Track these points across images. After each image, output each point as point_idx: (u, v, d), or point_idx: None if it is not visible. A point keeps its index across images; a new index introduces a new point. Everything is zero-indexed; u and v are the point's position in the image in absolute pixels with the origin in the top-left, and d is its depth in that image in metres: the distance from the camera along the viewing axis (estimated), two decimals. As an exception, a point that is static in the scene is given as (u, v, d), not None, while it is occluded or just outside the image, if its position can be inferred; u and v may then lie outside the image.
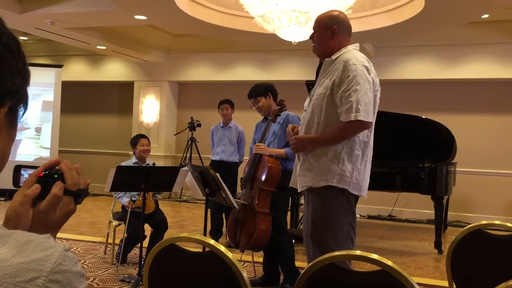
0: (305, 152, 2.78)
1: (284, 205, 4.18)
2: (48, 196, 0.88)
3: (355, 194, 2.73)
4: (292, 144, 2.80)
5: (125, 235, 4.62)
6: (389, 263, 1.40)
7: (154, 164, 4.43)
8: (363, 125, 2.65)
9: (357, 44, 2.87)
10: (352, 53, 2.74)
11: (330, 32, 2.79)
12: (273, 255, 4.19)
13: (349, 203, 2.73)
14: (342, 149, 2.68)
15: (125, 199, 4.62)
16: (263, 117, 4.35)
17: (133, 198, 4.65)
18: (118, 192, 4.64)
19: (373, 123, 2.78)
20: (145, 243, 4.45)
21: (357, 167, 2.69)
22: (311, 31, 5.58)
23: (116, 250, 4.76)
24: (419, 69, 8.13)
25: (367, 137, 2.76)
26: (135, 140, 4.85)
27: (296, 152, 2.82)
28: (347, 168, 2.67)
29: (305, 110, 2.86)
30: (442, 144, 6.09)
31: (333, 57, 2.77)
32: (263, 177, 3.91)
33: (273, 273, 4.22)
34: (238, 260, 4.18)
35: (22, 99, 0.78)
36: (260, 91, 4.26)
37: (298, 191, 2.87)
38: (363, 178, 2.73)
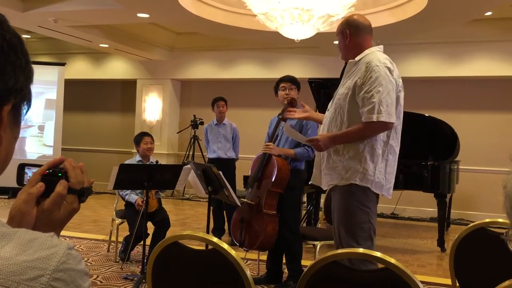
0: (327, 150, 2.84)
1: (295, 204, 4.17)
2: (52, 195, 0.89)
3: (376, 193, 2.77)
4: (316, 145, 2.84)
5: (128, 232, 4.63)
6: (392, 261, 1.40)
7: (157, 162, 4.43)
8: (385, 125, 2.70)
9: (381, 46, 2.93)
10: (375, 55, 2.80)
11: (343, 36, 2.91)
12: (278, 254, 4.19)
13: (371, 201, 2.77)
14: (364, 148, 2.73)
15: (134, 196, 4.60)
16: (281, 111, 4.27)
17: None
18: (125, 190, 4.64)
19: (399, 123, 2.86)
20: (148, 241, 4.46)
21: (378, 166, 2.74)
22: (314, 29, 5.59)
23: (120, 248, 4.77)
24: (422, 67, 8.12)
25: (387, 137, 2.79)
26: (139, 138, 4.86)
27: (321, 151, 2.87)
28: (370, 166, 2.72)
29: (328, 110, 2.92)
30: (445, 142, 6.07)
31: (357, 58, 2.84)
32: (272, 179, 3.90)
33: (276, 271, 4.23)
34: (242, 258, 4.19)
35: (25, 97, 0.78)
36: (298, 83, 4.21)
37: (324, 189, 2.94)
38: (384, 177, 2.77)
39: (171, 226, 4.71)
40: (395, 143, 2.86)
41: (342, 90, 2.83)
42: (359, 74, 2.75)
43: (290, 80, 4.16)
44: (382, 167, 2.76)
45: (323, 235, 4.13)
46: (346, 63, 2.95)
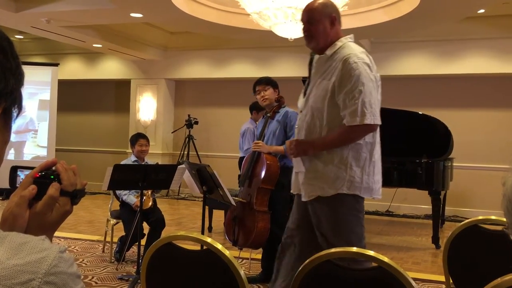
0: (308, 157, 2.63)
1: (285, 202, 4.16)
2: (45, 197, 0.89)
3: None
4: (292, 148, 2.62)
5: (124, 233, 4.62)
6: (386, 259, 1.41)
7: (157, 164, 4.46)
8: (370, 128, 2.51)
9: (352, 35, 2.68)
10: (350, 49, 2.56)
11: (329, 21, 2.61)
12: (272, 252, 4.19)
13: (359, 205, 2.63)
14: (349, 153, 2.53)
15: (132, 198, 4.60)
16: (265, 111, 4.31)
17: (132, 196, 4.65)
18: (123, 190, 4.63)
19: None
20: (143, 241, 4.45)
21: (365, 170, 2.56)
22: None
23: (115, 248, 4.76)
24: (415, 64, 8.14)
25: (373, 137, 2.60)
26: (134, 139, 4.85)
27: (297, 157, 2.63)
28: (356, 173, 2.53)
29: (301, 111, 2.70)
30: (439, 139, 6.10)
31: (328, 53, 2.59)
32: (262, 176, 3.91)
33: (271, 270, 4.22)
34: (236, 257, 4.19)
35: (16, 101, 0.78)
36: (272, 81, 4.23)
37: (303, 200, 2.67)
38: (373, 180, 2.60)
39: (166, 225, 4.71)
40: (379, 140, 2.68)
41: (318, 91, 2.59)
42: (336, 72, 2.51)
43: (263, 81, 4.19)
44: (370, 170, 2.58)
45: None
46: (311, 56, 2.72)
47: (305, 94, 2.72)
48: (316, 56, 2.70)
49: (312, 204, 2.62)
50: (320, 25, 2.59)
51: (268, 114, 4.10)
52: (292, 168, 4.10)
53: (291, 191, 2.86)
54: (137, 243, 4.22)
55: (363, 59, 2.52)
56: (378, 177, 2.65)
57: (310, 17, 2.62)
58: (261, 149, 3.99)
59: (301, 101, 2.75)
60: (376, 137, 2.62)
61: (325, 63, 2.61)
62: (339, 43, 2.61)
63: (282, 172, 3.96)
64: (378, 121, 2.52)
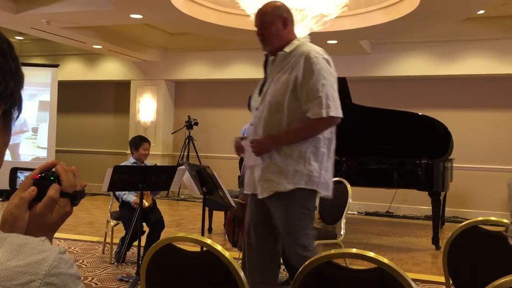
0: (268, 154, 2.60)
1: None
2: (45, 199, 0.89)
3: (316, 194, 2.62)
4: (254, 147, 2.58)
5: (125, 233, 4.62)
6: (385, 260, 1.41)
7: (156, 165, 4.46)
8: (334, 121, 2.55)
9: (308, 36, 2.77)
10: (310, 46, 2.61)
11: (282, 22, 2.64)
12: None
13: (312, 203, 2.63)
14: (308, 148, 2.54)
15: (131, 196, 4.60)
16: None
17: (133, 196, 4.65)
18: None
19: None
20: (143, 242, 4.45)
21: (323, 165, 2.57)
22: (307, 29, 5.56)
23: (115, 249, 4.76)
24: (415, 65, 8.15)
25: (331, 133, 2.63)
26: (138, 143, 4.82)
27: (260, 155, 2.59)
28: (314, 167, 2.54)
29: (257, 109, 2.68)
30: (439, 140, 6.10)
31: (287, 50, 2.61)
32: None
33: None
34: (236, 258, 4.19)
35: (15, 103, 0.78)
36: None
37: (260, 197, 2.64)
38: (330, 177, 2.62)
39: (166, 227, 4.70)
40: (334, 138, 2.71)
41: (277, 86, 2.58)
42: (298, 67, 2.54)
43: None
44: (328, 166, 2.60)
45: (318, 235, 4.14)
46: (266, 57, 2.73)
47: (260, 92, 2.70)
48: (271, 58, 2.72)
49: (270, 200, 2.62)
50: (272, 27, 2.63)
51: None
52: None
53: (245, 191, 2.83)
54: (137, 243, 4.22)
55: (323, 55, 2.58)
56: (331, 174, 2.67)
57: (262, 21, 2.66)
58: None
59: (255, 99, 2.73)
60: (333, 133, 2.66)
61: (284, 60, 2.62)
62: (296, 42, 2.65)
63: None
64: (340, 114, 2.57)
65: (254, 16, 2.71)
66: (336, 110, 2.51)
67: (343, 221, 4.10)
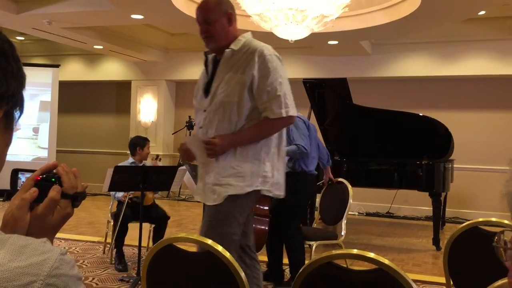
0: (223, 155, 2.46)
1: (297, 209, 4.13)
2: (46, 200, 0.89)
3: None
4: (210, 148, 2.42)
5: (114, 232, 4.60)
6: (386, 261, 1.41)
7: (158, 156, 4.46)
8: (291, 120, 2.49)
9: (250, 33, 2.59)
10: (259, 43, 2.50)
11: (226, 18, 2.50)
12: (276, 248, 4.16)
13: (250, 207, 2.56)
14: (261, 148, 2.47)
15: (119, 194, 4.63)
16: None
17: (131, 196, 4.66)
18: None
19: None
20: (144, 242, 4.45)
21: (275, 165, 2.51)
22: (308, 29, 5.54)
23: (114, 260, 4.68)
24: (416, 66, 8.15)
25: (281, 132, 2.56)
26: (143, 142, 4.83)
27: (214, 157, 2.44)
28: (268, 168, 2.48)
29: (205, 110, 2.52)
30: (439, 141, 6.10)
31: (234, 47, 2.49)
32: None
33: (277, 266, 4.20)
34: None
35: (17, 103, 0.78)
36: None
37: (210, 204, 2.47)
38: (282, 177, 2.56)
39: (167, 227, 4.70)
40: (285, 138, 2.63)
41: (230, 86, 2.44)
42: (251, 65, 2.42)
43: None
44: (279, 166, 2.55)
45: (319, 235, 4.15)
46: (206, 56, 2.62)
47: (207, 92, 2.54)
48: (211, 55, 2.60)
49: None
50: (217, 24, 2.49)
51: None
52: (310, 174, 4.14)
53: (197, 199, 2.67)
54: (137, 245, 4.22)
55: (274, 52, 2.51)
56: (283, 174, 2.59)
57: (206, 17, 2.50)
58: None
59: (202, 100, 2.56)
60: (284, 133, 2.59)
61: (231, 58, 2.49)
62: (242, 38, 2.53)
63: (295, 177, 3.94)
64: (296, 113, 2.51)
65: (196, 11, 2.53)
66: (293, 109, 2.46)
67: (343, 221, 4.10)
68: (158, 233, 4.56)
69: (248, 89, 2.43)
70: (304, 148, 3.87)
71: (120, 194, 4.61)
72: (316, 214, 7.20)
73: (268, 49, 2.47)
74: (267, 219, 3.93)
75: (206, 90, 2.55)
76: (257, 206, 3.92)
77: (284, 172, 2.61)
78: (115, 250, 4.70)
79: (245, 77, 2.43)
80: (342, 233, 4.09)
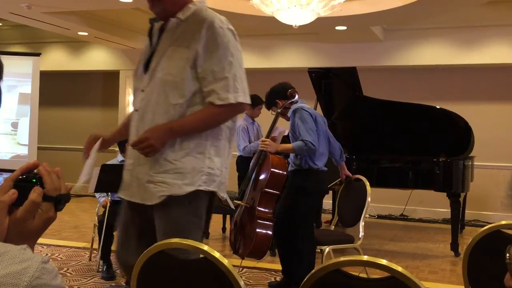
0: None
1: (308, 211, 4.15)
2: (26, 203, 0.89)
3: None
4: (143, 148, 2.17)
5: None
6: (399, 269, 1.41)
7: None
8: (241, 108, 2.30)
9: (204, 0, 2.41)
10: (211, 12, 2.31)
11: None
12: (287, 253, 4.18)
13: (204, 209, 2.31)
14: (208, 139, 2.26)
15: (102, 198, 4.65)
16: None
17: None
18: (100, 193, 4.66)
19: None
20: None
21: (225, 161, 2.34)
22: (313, 14, 5.54)
23: (102, 268, 4.69)
24: (432, 54, 8.13)
25: (232, 122, 2.37)
26: None
27: (153, 153, 2.20)
28: (216, 164, 2.27)
29: (143, 90, 2.31)
30: (458, 136, 6.10)
31: (181, 16, 2.30)
32: (267, 178, 3.93)
33: (292, 273, 4.22)
34: (237, 266, 4.18)
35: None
36: (268, 102, 4.31)
37: (148, 203, 2.25)
38: (227, 175, 2.39)
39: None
40: (235, 128, 2.45)
41: (172, 62, 2.25)
42: (198, 38, 2.21)
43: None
44: (228, 162, 2.38)
45: (333, 239, 4.16)
46: (151, 24, 2.45)
47: (146, 68, 2.34)
48: (158, 24, 2.42)
49: (157, 208, 2.24)
50: None
51: (279, 110, 4.14)
52: (321, 171, 4.12)
53: (120, 195, 2.46)
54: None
55: (228, 25, 2.32)
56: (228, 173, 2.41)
57: None
58: (269, 148, 3.99)
59: (139, 78, 2.38)
60: (235, 122, 2.40)
61: (176, 28, 2.30)
62: (193, 6, 2.34)
63: (307, 175, 3.98)
64: (249, 100, 2.32)
65: None
66: (245, 96, 2.26)
67: (361, 223, 4.10)
68: None
69: (192, 67, 2.22)
70: (312, 144, 3.86)
71: (102, 199, 4.62)
72: (324, 216, 7.22)
73: (220, 21, 2.28)
74: (271, 223, 3.94)
75: (147, 66, 2.34)
76: (259, 208, 3.92)
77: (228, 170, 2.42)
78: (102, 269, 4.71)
79: (189, 52, 2.22)
80: (360, 236, 4.08)
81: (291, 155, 4.09)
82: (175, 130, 2.22)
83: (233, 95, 2.22)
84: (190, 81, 2.23)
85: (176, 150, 2.23)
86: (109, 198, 4.58)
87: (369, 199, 4.09)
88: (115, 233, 4.50)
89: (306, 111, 4.03)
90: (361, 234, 4.08)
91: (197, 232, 2.25)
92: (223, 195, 2.36)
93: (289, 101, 4.15)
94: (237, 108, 2.27)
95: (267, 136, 4.18)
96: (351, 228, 4.48)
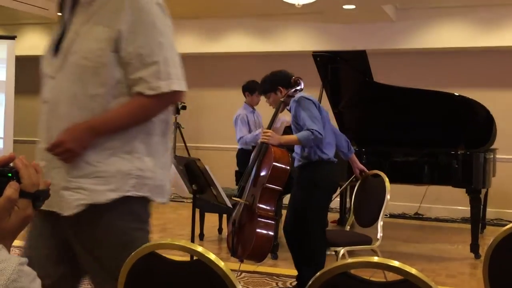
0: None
1: (319, 206, 4.17)
2: (1, 199, 0.89)
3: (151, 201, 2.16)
4: (60, 153, 1.99)
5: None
6: (413, 271, 1.41)
7: None
8: (176, 97, 2.12)
9: None
10: None
11: None
12: (302, 257, 4.22)
13: (146, 213, 2.18)
14: (137, 136, 2.07)
15: None
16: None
17: None
18: None
19: None
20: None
21: (159, 160, 2.13)
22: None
23: None
24: (450, 35, 8.11)
25: (167, 114, 2.19)
26: None
27: (72, 158, 2.00)
28: (147, 164, 2.08)
29: (53, 77, 2.12)
30: (479, 126, 6.10)
31: None
32: (268, 173, 3.93)
33: (305, 277, 4.25)
34: (235, 270, 4.19)
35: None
36: (267, 87, 4.29)
37: (65, 214, 2.01)
38: (167, 176, 2.20)
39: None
40: (171, 119, 2.27)
41: (88, 43, 2.03)
42: (120, 15, 2.00)
43: (261, 91, 4.44)
44: (165, 161, 2.19)
45: (348, 240, 4.18)
46: None
47: (56, 50, 2.13)
48: None
49: (78, 220, 2.03)
50: None
51: (282, 99, 4.14)
52: (331, 162, 4.11)
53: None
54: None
55: (158, 0, 2.16)
56: (169, 171, 2.27)
57: None
58: (271, 140, 3.99)
59: (49, 62, 2.19)
60: (170, 112, 2.22)
61: (92, 2, 2.07)
62: None
63: (316, 168, 4.02)
64: (185, 86, 2.12)
65: None
66: (179, 82, 2.07)
67: (379, 223, 4.11)
68: None
69: (114, 51, 2.01)
70: (319, 132, 3.86)
71: None
72: (331, 215, 7.22)
73: None
74: (272, 222, 3.95)
75: (57, 48, 2.13)
76: (260, 205, 3.93)
77: (169, 171, 2.27)
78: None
79: (109, 32, 2.01)
80: (379, 236, 4.10)
81: (296, 149, 4.10)
82: (97, 128, 2.02)
83: (165, 82, 2.02)
84: (112, 67, 2.02)
85: (99, 150, 2.03)
86: None
87: (388, 196, 4.11)
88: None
89: (308, 99, 4.04)
90: (380, 234, 4.09)
91: (143, 238, 2.05)
92: (160, 200, 2.18)
93: (293, 89, 4.15)
94: (171, 97, 2.09)
95: (269, 127, 4.17)
96: (367, 229, 4.49)
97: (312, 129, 3.85)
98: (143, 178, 2.06)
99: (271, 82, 4.30)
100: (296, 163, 4.13)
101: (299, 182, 4.15)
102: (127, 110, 2.05)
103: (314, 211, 4.08)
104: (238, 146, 6.43)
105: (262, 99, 4.96)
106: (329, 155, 4.10)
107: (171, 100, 2.13)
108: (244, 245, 3.98)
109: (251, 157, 4.24)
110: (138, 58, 2.01)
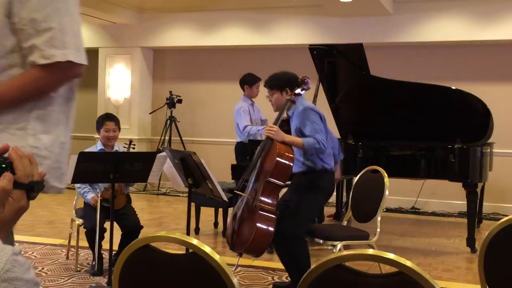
0: None
1: (314, 209, 4.35)
2: (-6, 190, 0.89)
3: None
4: None
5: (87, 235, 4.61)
6: (408, 263, 1.42)
7: (131, 142, 4.47)
8: (74, 70, 1.96)
9: None
10: None
11: None
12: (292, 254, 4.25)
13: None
14: (31, 111, 1.93)
15: (90, 195, 4.60)
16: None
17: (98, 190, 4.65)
18: (81, 186, 4.63)
19: None
20: (115, 245, 4.47)
21: (58, 139, 2.01)
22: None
23: (91, 262, 4.71)
24: (447, 29, 8.11)
25: (71, 91, 2.04)
26: (100, 122, 4.83)
27: None
28: (43, 142, 1.94)
29: None
30: (476, 120, 6.11)
31: None
32: (271, 167, 3.93)
33: (295, 274, 4.27)
34: (232, 264, 4.20)
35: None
36: (277, 83, 4.26)
37: None
38: (66, 160, 2.08)
39: (144, 227, 4.71)
40: (75, 99, 2.11)
41: None
42: None
43: (267, 85, 4.34)
44: (65, 141, 2.06)
45: (346, 234, 4.22)
46: None
47: None
48: None
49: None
50: None
51: (288, 97, 4.15)
52: (331, 170, 4.19)
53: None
54: (108, 249, 4.25)
55: None
56: (68, 155, 2.13)
57: None
58: (275, 136, 4.00)
59: None
60: (74, 91, 2.07)
61: None
62: None
63: (320, 175, 4.13)
64: (85, 59, 1.97)
65: None
66: (77, 53, 1.92)
67: (378, 218, 4.16)
68: (125, 244, 4.47)
69: (6, 15, 1.87)
70: (323, 145, 3.96)
71: (89, 196, 4.59)
72: (327, 210, 7.24)
73: None
74: (274, 216, 3.94)
75: None
76: (262, 198, 3.92)
77: (68, 153, 2.14)
78: (88, 255, 4.74)
79: None
80: (377, 231, 4.16)
81: (297, 156, 4.11)
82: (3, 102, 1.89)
83: (61, 51, 1.86)
84: (5, 35, 1.89)
85: None
86: (99, 195, 4.51)
87: (387, 192, 4.14)
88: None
89: (314, 110, 4.12)
90: (378, 230, 4.15)
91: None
92: (57, 184, 2.01)
93: (301, 88, 4.17)
94: (67, 70, 1.92)
95: (275, 123, 4.18)
96: (364, 223, 4.52)
97: (319, 140, 3.92)
98: (39, 156, 1.89)
99: (281, 80, 4.29)
100: (296, 169, 4.16)
101: (298, 187, 4.20)
102: (19, 83, 1.90)
103: (310, 213, 4.24)
104: (237, 139, 6.41)
105: (261, 93, 4.95)
106: (331, 165, 4.25)
107: (68, 73, 1.95)
108: (243, 238, 3.99)
109: (256, 151, 4.24)
110: (32, 23, 1.85)
